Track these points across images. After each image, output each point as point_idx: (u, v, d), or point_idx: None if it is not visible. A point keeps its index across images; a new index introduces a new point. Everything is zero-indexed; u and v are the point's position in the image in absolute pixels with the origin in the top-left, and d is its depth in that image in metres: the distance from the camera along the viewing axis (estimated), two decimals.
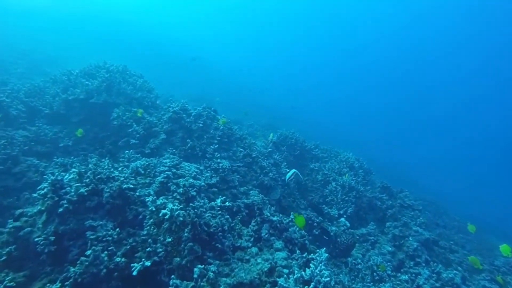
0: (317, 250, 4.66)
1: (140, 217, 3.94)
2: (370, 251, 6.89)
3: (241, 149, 7.46)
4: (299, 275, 3.07)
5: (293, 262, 3.70)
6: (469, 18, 54.81)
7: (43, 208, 3.54)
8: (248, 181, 6.87)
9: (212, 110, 7.84)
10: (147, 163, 5.28)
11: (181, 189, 4.59)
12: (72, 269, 3.05)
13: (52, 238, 3.34)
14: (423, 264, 6.65)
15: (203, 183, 5.26)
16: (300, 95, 47.50)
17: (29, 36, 19.61)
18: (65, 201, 3.54)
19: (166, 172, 5.02)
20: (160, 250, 3.42)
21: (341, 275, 5.66)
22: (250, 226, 4.41)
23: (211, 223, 3.82)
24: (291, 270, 3.36)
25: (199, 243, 3.54)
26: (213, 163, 6.36)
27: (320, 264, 3.23)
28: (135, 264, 3.20)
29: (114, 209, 3.87)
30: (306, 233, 5.22)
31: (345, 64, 75.73)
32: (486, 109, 66.16)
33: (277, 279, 3.13)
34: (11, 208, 4.39)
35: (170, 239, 3.50)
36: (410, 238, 7.19)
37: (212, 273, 3.16)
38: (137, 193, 4.21)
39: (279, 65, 63.82)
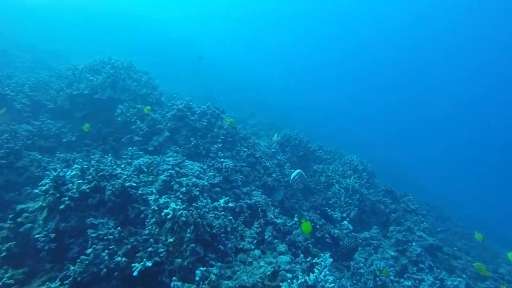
0: (321, 254, 4.59)
1: (142, 216, 3.89)
2: (373, 255, 6.80)
3: (245, 149, 7.39)
4: (303, 280, 2.99)
5: (297, 266, 3.62)
6: (469, 18, 54.50)
7: (44, 204, 3.49)
8: (251, 181, 6.80)
9: (220, 111, 7.80)
10: (150, 161, 5.23)
11: (184, 188, 4.53)
12: (72, 268, 2.99)
13: (52, 235, 3.29)
14: (427, 270, 6.55)
15: (206, 183, 5.20)
16: (302, 94, 47.46)
17: (35, 31, 19.68)
18: (66, 198, 3.48)
19: (169, 171, 4.96)
20: (162, 250, 3.36)
21: (343, 279, 5.58)
22: (253, 228, 4.34)
23: (214, 224, 3.75)
24: (294, 274, 3.29)
25: (202, 244, 3.48)
26: (216, 162, 6.30)
27: (325, 270, 3.16)
28: (136, 264, 3.14)
29: (116, 207, 3.82)
30: (309, 237, 5.15)
31: (346, 64, 75.71)
32: (486, 109, 65.85)
33: (280, 283, 3.06)
34: (13, 202, 4.36)
35: (172, 240, 3.44)
36: (414, 243, 7.09)
37: (214, 276, 3.09)
38: (140, 192, 4.15)
39: (282, 64, 63.81)
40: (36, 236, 3.26)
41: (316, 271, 3.15)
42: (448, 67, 66.71)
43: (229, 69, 35.35)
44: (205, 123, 7.05)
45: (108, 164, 4.28)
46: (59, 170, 3.64)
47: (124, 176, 4.11)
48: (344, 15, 67.96)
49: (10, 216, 3.48)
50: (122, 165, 4.89)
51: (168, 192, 4.62)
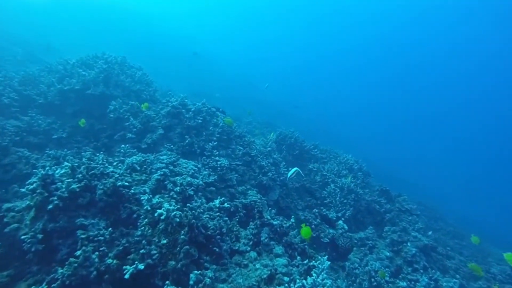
0: (317, 255, 4.53)
1: (135, 216, 3.76)
2: (368, 255, 6.77)
3: (240, 147, 7.29)
4: (300, 284, 2.91)
5: (294, 269, 3.54)
6: (467, 17, 54.90)
7: (31, 204, 3.34)
8: (247, 180, 6.71)
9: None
10: (144, 159, 5.09)
11: (178, 188, 4.42)
12: (60, 270, 2.86)
13: (40, 236, 3.15)
14: (421, 271, 6.55)
15: (201, 182, 5.09)
16: (298, 92, 47.56)
17: (26, 23, 19.20)
18: (55, 198, 3.34)
19: (163, 169, 4.83)
20: (155, 252, 3.24)
21: (338, 280, 5.54)
22: (249, 228, 4.25)
23: (209, 225, 3.65)
24: (291, 278, 3.21)
25: (196, 246, 3.38)
26: (211, 161, 6.18)
27: (322, 273, 3.09)
28: (128, 267, 3.02)
29: (107, 207, 3.69)
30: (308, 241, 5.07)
31: (343, 62, 76.00)
32: (480, 109, 66.74)
33: (277, 287, 2.97)
34: None
35: (165, 241, 3.32)
36: (409, 244, 7.09)
37: (209, 279, 3.00)
38: (132, 191, 4.02)
39: (278, 62, 63.80)
40: (23, 237, 3.12)
41: (313, 274, 3.08)
42: (443, 66, 67.30)
43: (226, 66, 35.18)
44: (200, 121, 6.92)
45: (100, 162, 4.14)
46: (47, 168, 3.49)
47: (116, 175, 3.98)
48: (342, 12, 67.89)
49: None
50: (115, 163, 4.76)
51: (161, 191, 4.50)
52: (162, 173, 4.72)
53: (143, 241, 3.35)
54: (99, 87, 6.87)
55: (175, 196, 4.32)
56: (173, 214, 3.43)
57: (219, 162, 6.11)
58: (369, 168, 10.73)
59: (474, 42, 58.43)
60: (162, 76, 18.48)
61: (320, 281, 2.94)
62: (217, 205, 4.22)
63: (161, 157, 5.51)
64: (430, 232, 7.62)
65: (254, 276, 3.24)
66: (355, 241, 7.09)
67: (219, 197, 4.64)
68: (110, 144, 6.30)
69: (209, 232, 3.58)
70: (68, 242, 3.30)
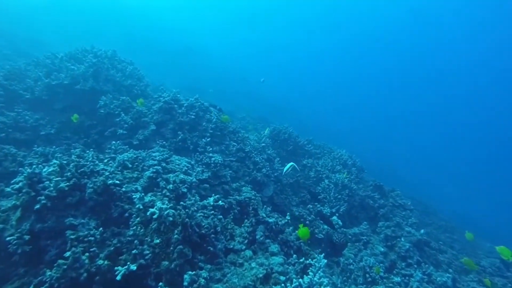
0: (313, 253, 4.49)
1: (126, 215, 3.66)
2: (363, 251, 6.79)
3: (234, 143, 7.19)
4: (297, 283, 2.86)
5: (290, 267, 3.49)
6: (464, 15, 55.17)
7: (18, 203, 3.22)
8: (241, 176, 6.63)
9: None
10: (135, 156, 4.96)
11: (171, 185, 4.32)
12: (49, 273, 2.75)
13: (27, 237, 3.04)
14: (415, 266, 6.60)
15: (194, 179, 4.99)
16: (293, 87, 47.56)
17: (13, 16, 18.63)
18: (43, 197, 3.22)
19: (155, 167, 4.72)
20: (147, 252, 3.15)
21: (333, 276, 5.53)
22: (243, 226, 4.18)
23: (203, 224, 3.57)
24: (288, 276, 3.16)
25: (190, 245, 3.29)
26: (205, 157, 6.08)
27: (319, 271, 3.04)
28: (119, 268, 2.93)
29: (97, 206, 3.58)
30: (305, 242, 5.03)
31: (338, 57, 76.07)
32: (476, 106, 67.56)
33: (273, 287, 2.92)
34: None
35: (158, 241, 3.23)
36: (402, 239, 7.13)
37: (203, 280, 2.92)
38: (124, 189, 3.91)
39: (273, 57, 63.51)
40: (8, 238, 3.00)
41: (310, 273, 3.03)
42: (440, 61, 67.52)
43: (220, 60, 34.78)
44: (193, 117, 6.79)
45: (90, 159, 4.01)
46: (34, 166, 3.36)
47: (107, 173, 3.86)
48: (336, 7, 67.55)
49: None
50: (105, 160, 4.63)
51: (154, 189, 4.39)
52: (154, 170, 4.61)
53: (135, 241, 3.25)
54: (89, 81, 6.68)
55: (168, 194, 4.22)
56: (166, 212, 3.34)
57: (212, 159, 6.02)
58: (362, 164, 10.76)
59: (473, 40, 58.79)
60: (154, 70, 18.17)
61: (317, 280, 2.90)
62: (211, 203, 4.13)
63: (154, 154, 5.39)
64: (422, 231, 7.68)
65: (250, 275, 3.18)
66: (350, 236, 7.10)
67: (213, 194, 4.55)
68: (101, 141, 6.14)
69: (203, 231, 3.50)
70: (57, 243, 3.19)
